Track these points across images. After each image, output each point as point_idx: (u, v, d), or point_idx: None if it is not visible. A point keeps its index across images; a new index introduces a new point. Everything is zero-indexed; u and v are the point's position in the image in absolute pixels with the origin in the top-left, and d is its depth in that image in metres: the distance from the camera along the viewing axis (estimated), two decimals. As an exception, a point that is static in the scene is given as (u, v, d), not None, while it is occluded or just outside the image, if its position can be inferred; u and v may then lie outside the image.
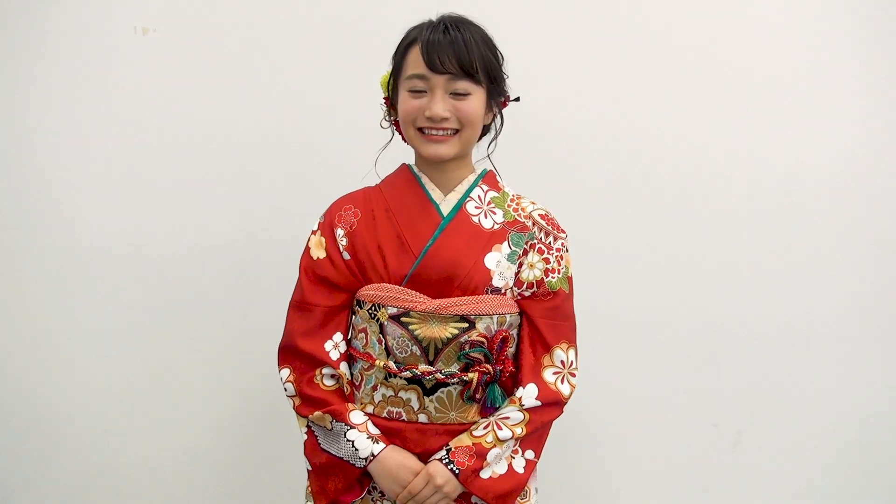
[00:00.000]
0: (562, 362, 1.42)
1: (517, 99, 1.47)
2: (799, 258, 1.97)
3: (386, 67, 1.43)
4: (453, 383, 1.37)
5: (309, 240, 1.45)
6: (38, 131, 1.91)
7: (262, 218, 1.94)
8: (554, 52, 1.91)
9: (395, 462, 1.36)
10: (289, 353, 1.43)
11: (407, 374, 1.36)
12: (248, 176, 1.93)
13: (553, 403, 1.40)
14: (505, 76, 1.42)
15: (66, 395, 1.98)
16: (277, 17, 1.89)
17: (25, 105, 1.90)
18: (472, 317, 1.36)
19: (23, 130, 1.91)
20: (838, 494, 2.02)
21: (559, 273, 1.43)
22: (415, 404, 1.38)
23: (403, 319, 1.36)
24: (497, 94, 1.42)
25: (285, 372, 1.43)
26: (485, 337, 1.37)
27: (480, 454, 1.35)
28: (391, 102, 1.45)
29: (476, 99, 1.36)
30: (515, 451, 1.40)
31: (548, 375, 1.41)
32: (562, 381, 1.42)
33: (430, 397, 1.38)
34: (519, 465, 1.40)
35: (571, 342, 1.44)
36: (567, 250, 1.45)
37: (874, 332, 1.99)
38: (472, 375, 1.36)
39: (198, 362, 1.98)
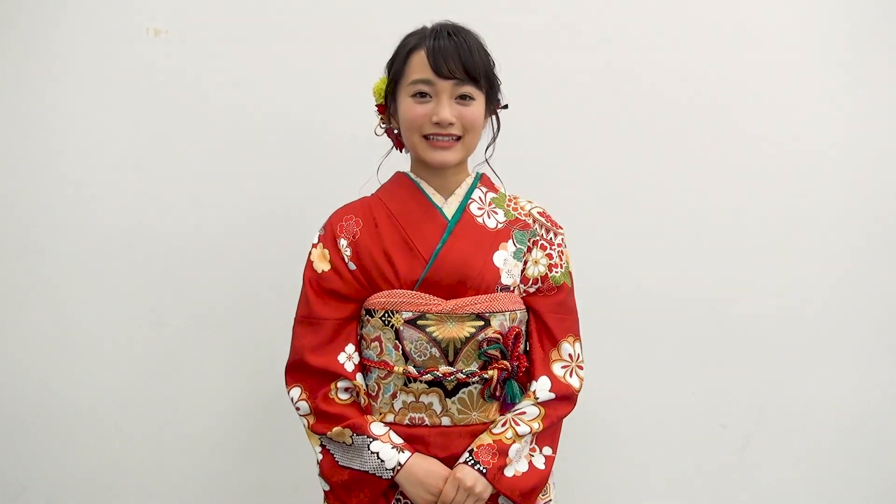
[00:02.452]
0: (569, 356, 1.44)
1: (505, 106, 1.50)
2: (809, 258, 2.00)
3: (383, 73, 1.44)
4: (474, 382, 1.38)
5: (310, 253, 1.43)
6: (51, 131, 1.90)
7: (271, 217, 1.94)
8: (549, 55, 1.95)
9: (422, 469, 1.34)
10: (298, 371, 1.39)
11: (428, 376, 1.36)
12: (257, 175, 1.94)
13: (566, 397, 1.42)
14: (498, 82, 1.46)
15: (77, 392, 1.96)
16: (285, 20, 1.91)
17: (37, 105, 1.90)
18: (487, 314, 1.38)
19: (35, 130, 1.90)
20: (847, 496, 2.04)
21: (561, 268, 1.47)
22: (437, 408, 1.37)
23: (420, 322, 1.36)
24: (493, 100, 1.45)
25: (296, 391, 1.39)
26: (500, 333, 1.38)
27: (502, 451, 1.35)
28: (386, 110, 1.46)
29: (479, 104, 1.39)
30: (534, 449, 1.41)
31: (557, 369, 1.43)
32: (570, 375, 1.44)
33: (452, 399, 1.37)
34: (539, 462, 1.41)
35: (577, 335, 1.47)
36: (566, 245, 1.50)
37: (885, 334, 2.02)
38: (492, 373, 1.37)
39: (209, 360, 1.97)
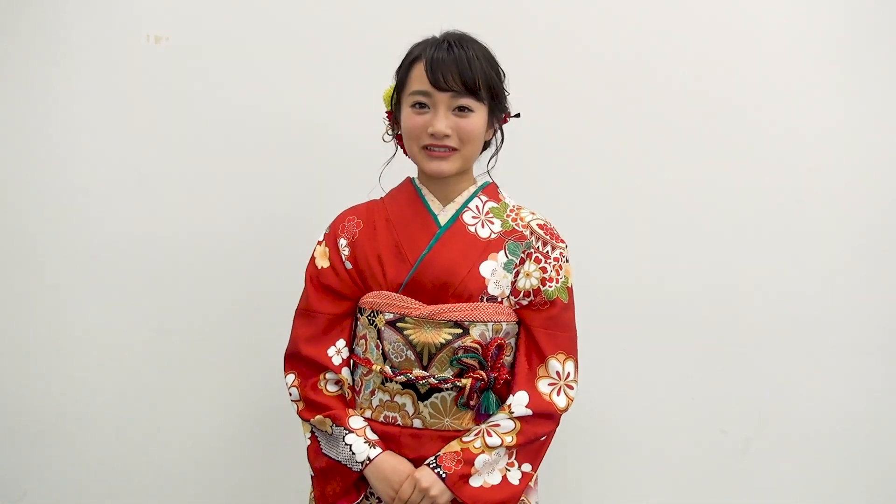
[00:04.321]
0: (557, 373, 1.41)
1: (517, 115, 1.50)
2: (808, 265, 1.97)
3: (391, 79, 1.48)
4: (447, 389, 1.39)
5: (314, 250, 1.51)
6: (52, 137, 1.97)
7: (273, 222, 1.99)
8: (557, 65, 1.94)
9: (390, 466, 1.38)
10: (293, 359, 1.48)
11: (401, 378, 1.39)
12: (258, 181, 1.98)
13: (545, 415, 1.40)
14: (506, 93, 1.45)
15: (77, 397, 2.02)
16: (287, 27, 1.95)
17: (40, 111, 1.96)
18: (466, 323, 1.38)
19: (36, 136, 1.97)
20: (847, 500, 1.99)
21: (557, 282, 1.43)
22: (409, 409, 1.41)
23: (399, 325, 1.40)
24: (498, 111, 1.46)
25: (290, 377, 1.48)
26: (479, 344, 1.39)
27: (468, 460, 1.36)
28: (394, 117, 1.50)
29: (478, 116, 1.40)
30: (511, 464, 1.40)
31: (542, 386, 1.41)
32: (557, 393, 1.41)
33: (425, 402, 1.40)
34: (514, 477, 1.39)
35: (570, 353, 1.43)
36: (567, 260, 1.46)
37: (885, 338, 1.97)
38: (466, 381, 1.38)
39: (207, 368, 2.03)
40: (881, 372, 1.98)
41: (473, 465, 1.36)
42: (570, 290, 1.46)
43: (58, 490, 2.05)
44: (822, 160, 1.95)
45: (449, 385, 1.39)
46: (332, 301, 1.47)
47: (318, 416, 1.43)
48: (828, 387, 1.98)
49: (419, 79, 1.38)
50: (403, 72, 1.43)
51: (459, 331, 1.38)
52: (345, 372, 1.46)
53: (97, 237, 2.00)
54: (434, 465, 1.36)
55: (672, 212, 1.96)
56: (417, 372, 1.39)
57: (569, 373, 1.42)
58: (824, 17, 1.93)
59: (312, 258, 1.51)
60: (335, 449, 1.42)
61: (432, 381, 1.38)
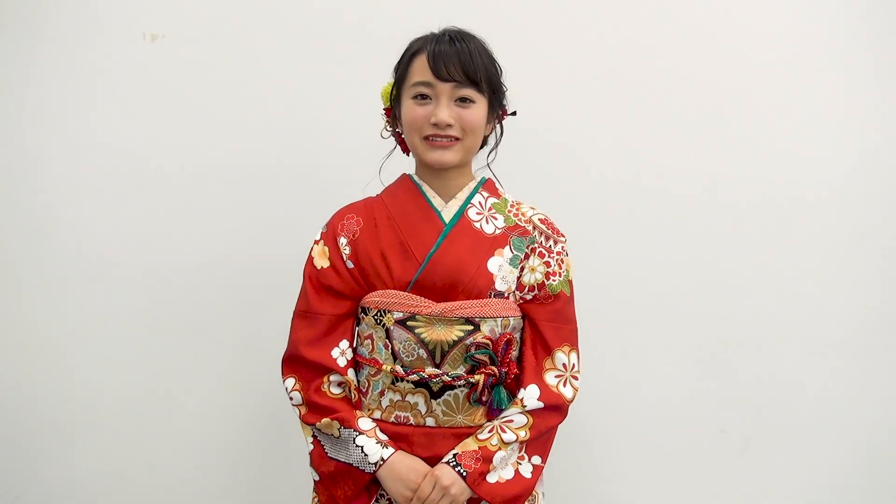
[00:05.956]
0: (563, 365, 1.43)
1: (514, 113, 1.51)
2: (807, 263, 1.99)
3: (388, 79, 1.46)
4: (460, 386, 1.39)
5: (312, 249, 1.47)
6: (47, 137, 1.93)
7: (268, 226, 1.96)
8: (552, 63, 1.96)
9: (404, 466, 1.37)
10: (294, 362, 1.44)
11: (414, 377, 1.38)
12: (254, 183, 1.96)
13: (555, 406, 1.42)
14: (504, 88, 1.47)
15: (74, 397, 1.98)
16: (284, 26, 1.93)
17: (33, 111, 1.93)
18: (477, 319, 1.38)
19: (31, 136, 1.93)
20: (847, 499, 2.02)
21: (560, 276, 1.45)
22: (422, 408, 1.39)
23: (409, 323, 1.38)
24: (497, 106, 1.47)
25: (290, 381, 1.43)
26: (489, 339, 1.39)
27: (486, 458, 1.36)
28: (392, 113, 1.48)
29: (479, 108, 1.40)
30: (522, 458, 1.41)
31: (549, 378, 1.43)
32: (564, 385, 1.43)
33: (438, 400, 1.39)
34: (526, 471, 1.41)
35: (573, 345, 1.46)
36: (567, 254, 1.48)
37: (882, 337, 2.00)
38: (479, 377, 1.38)
39: (204, 369, 1.99)
40: (881, 371, 1.99)
41: (491, 462, 1.36)
42: (570, 283, 1.49)
43: (53, 493, 1.99)
44: (824, 158, 1.97)
45: (462, 382, 1.39)
46: (333, 301, 1.44)
47: (325, 420, 1.39)
48: (828, 386, 2.00)
49: (421, 70, 1.38)
50: (404, 66, 1.43)
51: (471, 327, 1.38)
52: (350, 373, 1.43)
53: (92, 236, 1.95)
54: (454, 463, 1.36)
55: (671, 208, 1.98)
56: (430, 370, 1.38)
57: (573, 364, 1.45)
58: (828, 12, 1.95)
59: (310, 258, 1.47)
60: (345, 452, 1.38)
61: (446, 378, 1.38)
